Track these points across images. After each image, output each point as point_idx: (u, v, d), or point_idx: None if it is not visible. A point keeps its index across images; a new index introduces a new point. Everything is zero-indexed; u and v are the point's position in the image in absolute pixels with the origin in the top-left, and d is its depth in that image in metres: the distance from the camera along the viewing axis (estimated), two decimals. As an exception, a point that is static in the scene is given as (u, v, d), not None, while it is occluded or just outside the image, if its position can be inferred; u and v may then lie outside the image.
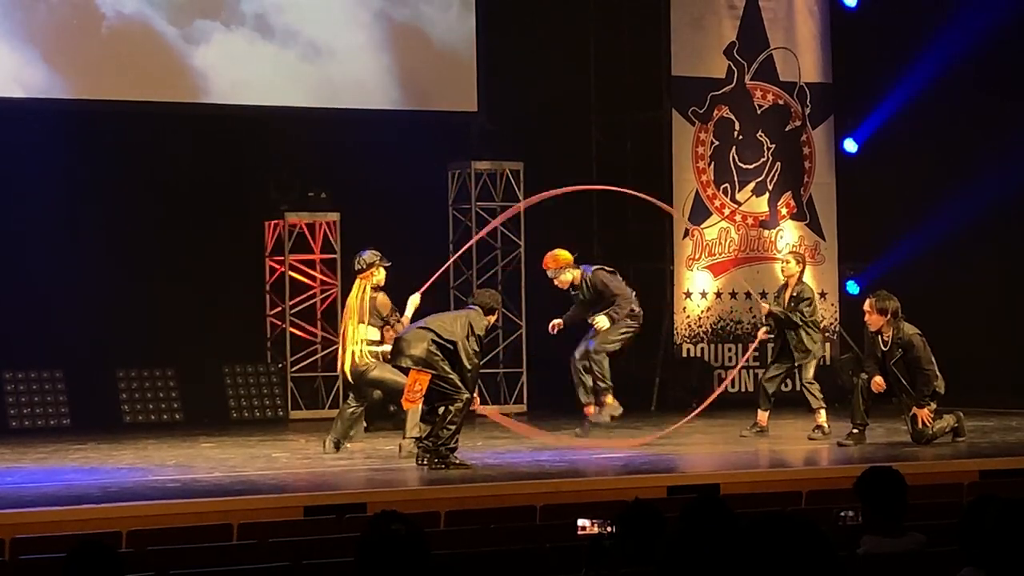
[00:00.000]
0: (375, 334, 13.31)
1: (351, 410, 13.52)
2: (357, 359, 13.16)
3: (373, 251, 13.37)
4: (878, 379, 13.26)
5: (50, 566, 6.99)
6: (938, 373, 13.35)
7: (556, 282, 14.22)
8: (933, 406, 13.35)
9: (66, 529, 8.99)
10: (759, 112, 19.01)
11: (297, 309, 17.63)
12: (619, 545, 6.06)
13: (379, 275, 13.30)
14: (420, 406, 12.69)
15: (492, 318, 12.69)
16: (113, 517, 9.49)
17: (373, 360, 13.17)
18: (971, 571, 4.94)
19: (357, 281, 13.33)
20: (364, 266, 13.29)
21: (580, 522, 6.26)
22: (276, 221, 17.77)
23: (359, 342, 13.19)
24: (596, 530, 6.20)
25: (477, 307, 12.57)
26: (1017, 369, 17.72)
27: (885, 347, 13.30)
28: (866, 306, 13.54)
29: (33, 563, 7.89)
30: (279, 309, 17.74)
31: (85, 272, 16.58)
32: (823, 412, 14.22)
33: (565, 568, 6.93)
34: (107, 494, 10.57)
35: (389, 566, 4.57)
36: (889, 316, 13.29)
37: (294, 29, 17.43)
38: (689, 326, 18.58)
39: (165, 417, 17.03)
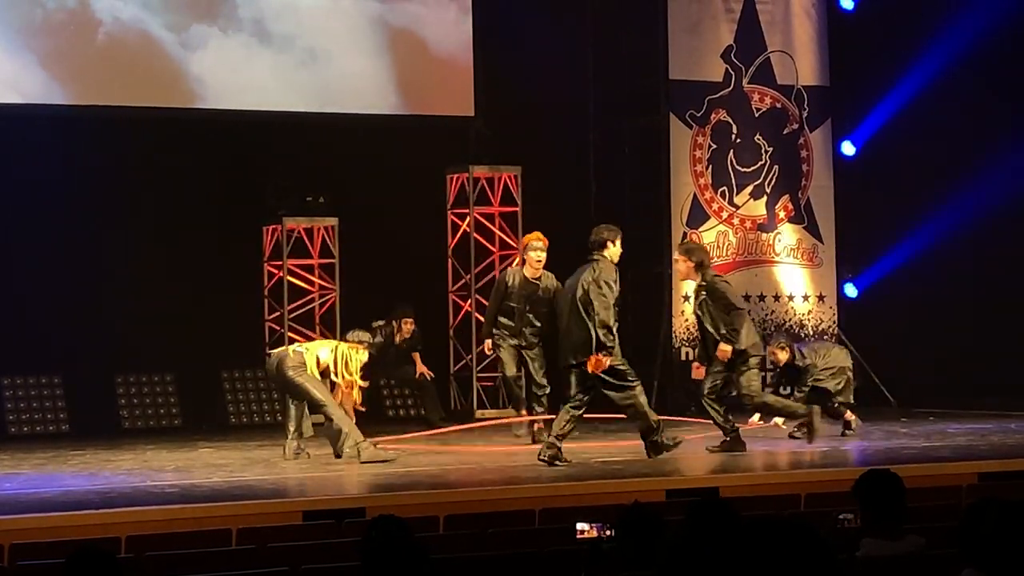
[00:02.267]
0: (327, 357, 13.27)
1: (294, 410, 13.48)
2: (291, 354, 13.15)
3: (364, 332, 13.53)
4: (724, 347, 13.15)
5: (49, 572, 6.99)
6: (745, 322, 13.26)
7: (540, 255, 14.30)
8: (730, 350, 13.09)
9: (65, 535, 8.97)
10: (757, 115, 19.01)
11: (295, 314, 17.62)
12: (618, 548, 6.06)
13: (361, 355, 13.28)
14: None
15: (615, 248, 12.51)
16: (112, 523, 9.49)
17: (302, 367, 13.11)
18: (971, 573, 4.93)
19: (343, 344, 13.36)
20: (356, 340, 13.41)
21: (579, 526, 6.26)
22: (274, 226, 17.77)
23: (307, 349, 13.26)
24: (595, 533, 6.20)
25: (596, 257, 12.42)
26: (1015, 371, 17.71)
27: (695, 295, 13.40)
28: (675, 255, 13.77)
29: (32, 569, 7.89)
30: (277, 314, 17.73)
31: (83, 277, 16.58)
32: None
33: (564, 572, 6.93)
34: (106, 500, 10.56)
35: (391, 569, 4.57)
36: (694, 264, 13.31)
37: (291, 34, 17.43)
38: (687, 330, 18.55)
39: (164, 422, 17.03)
